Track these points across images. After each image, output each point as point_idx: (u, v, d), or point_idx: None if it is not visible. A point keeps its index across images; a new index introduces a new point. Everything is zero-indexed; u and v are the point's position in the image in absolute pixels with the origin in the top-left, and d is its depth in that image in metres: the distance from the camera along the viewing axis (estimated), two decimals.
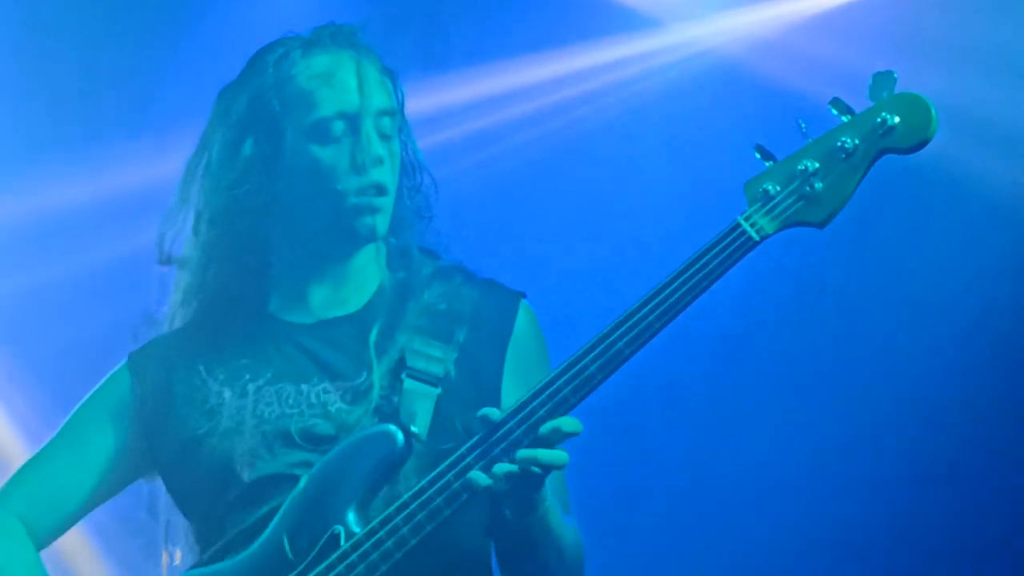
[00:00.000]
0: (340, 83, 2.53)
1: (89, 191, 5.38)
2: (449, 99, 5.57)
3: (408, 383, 2.45)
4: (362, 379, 2.49)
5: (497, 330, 2.55)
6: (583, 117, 5.61)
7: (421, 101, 5.49)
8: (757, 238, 2.29)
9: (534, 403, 2.31)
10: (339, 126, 2.52)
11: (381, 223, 2.53)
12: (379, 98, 2.56)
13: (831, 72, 5.36)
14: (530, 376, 2.44)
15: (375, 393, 2.47)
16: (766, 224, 2.30)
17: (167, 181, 5.52)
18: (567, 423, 2.30)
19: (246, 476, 2.47)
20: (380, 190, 2.52)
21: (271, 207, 2.55)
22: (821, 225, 2.31)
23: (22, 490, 2.64)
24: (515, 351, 2.55)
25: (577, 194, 5.53)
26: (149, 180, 5.27)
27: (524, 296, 2.64)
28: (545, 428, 2.28)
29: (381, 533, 2.33)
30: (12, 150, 5.47)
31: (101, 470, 2.61)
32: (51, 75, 5.61)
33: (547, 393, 2.32)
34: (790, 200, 2.30)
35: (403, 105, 2.63)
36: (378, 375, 2.48)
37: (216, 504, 2.50)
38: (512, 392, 2.45)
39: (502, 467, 2.28)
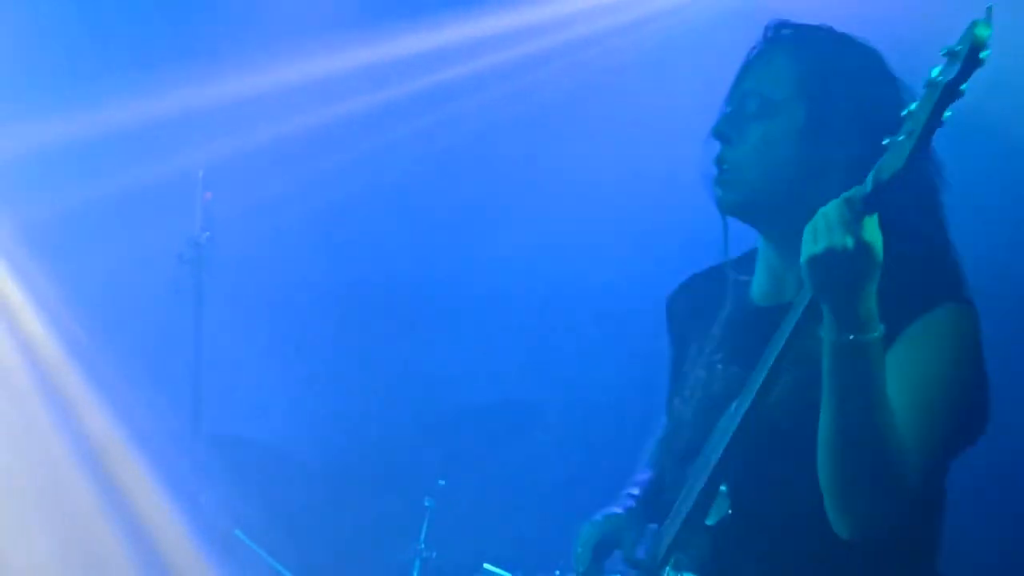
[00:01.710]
0: None
1: (136, 116, 5.68)
2: (483, 28, 5.86)
3: None
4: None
5: None
6: (617, 48, 5.84)
7: (456, 30, 5.86)
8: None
9: None
10: None
11: None
12: None
13: (858, 7, 5.27)
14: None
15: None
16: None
17: (212, 106, 5.94)
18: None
19: (685, 439, 2.63)
20: None
21: None
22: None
23: None
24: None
25: (610, 125, 5.77)
26: (195, 105, 5.70)
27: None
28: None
29: None
30: (58, 75, 5.78)
31: None
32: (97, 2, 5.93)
33: None
34: None
35: None
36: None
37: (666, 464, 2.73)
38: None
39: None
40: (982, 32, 2.18)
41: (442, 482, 5.42)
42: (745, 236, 2.67)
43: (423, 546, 5.38)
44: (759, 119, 2.59)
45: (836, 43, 2.68)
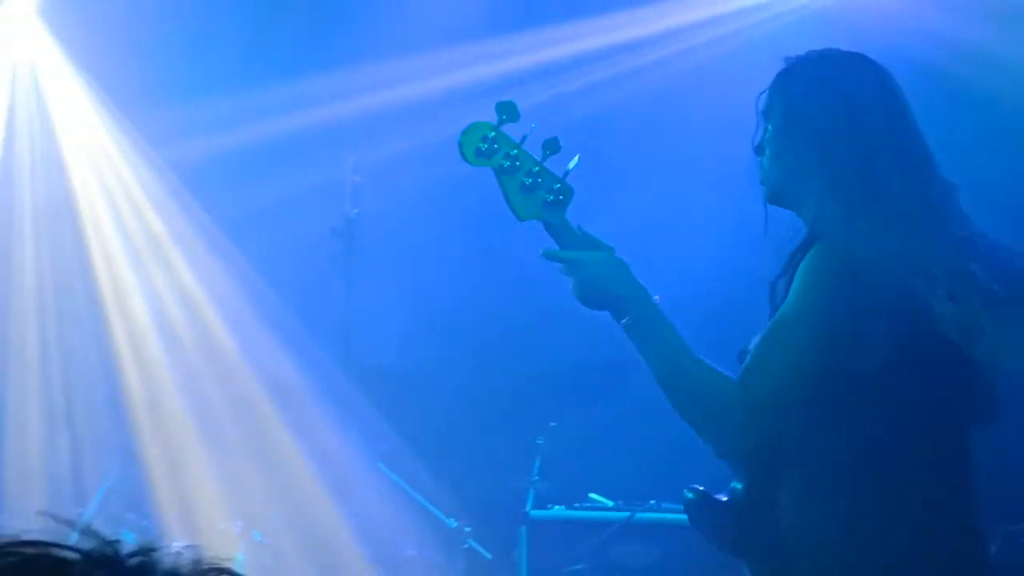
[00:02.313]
0: None
1: (298, 118, 6.32)
2: (590, 44, 6.41)
3: None
4: None
5: None
6: (701, 63, 6.31)
7: (567, 46, 6.45)
8: None
9: None
10: None
11: None
12: None
13: (922, 28, 5.89)
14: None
15: None
16: None
17: (360, 106, 6.42)
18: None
19: None
20: None
21: None
22: None
23: None
24: None
25: (690, 130, 6.15)
26: (345, 107, 6.29)
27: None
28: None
29: None
30: (234, 87, 6.43)
31: None
32: (276, 22, 6.57)
33: None
34: None
35: None
36: None
37: None
38: None
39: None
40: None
41: (553, 424, 5.60)
42: None
43: (537, 477, 5.56)
44: (766, 128, 3.08)
45: (813, 61, 3.09)
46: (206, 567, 1.09)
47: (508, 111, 3.11)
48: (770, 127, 3.08)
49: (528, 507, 5.49)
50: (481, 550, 5.81)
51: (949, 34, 5.91)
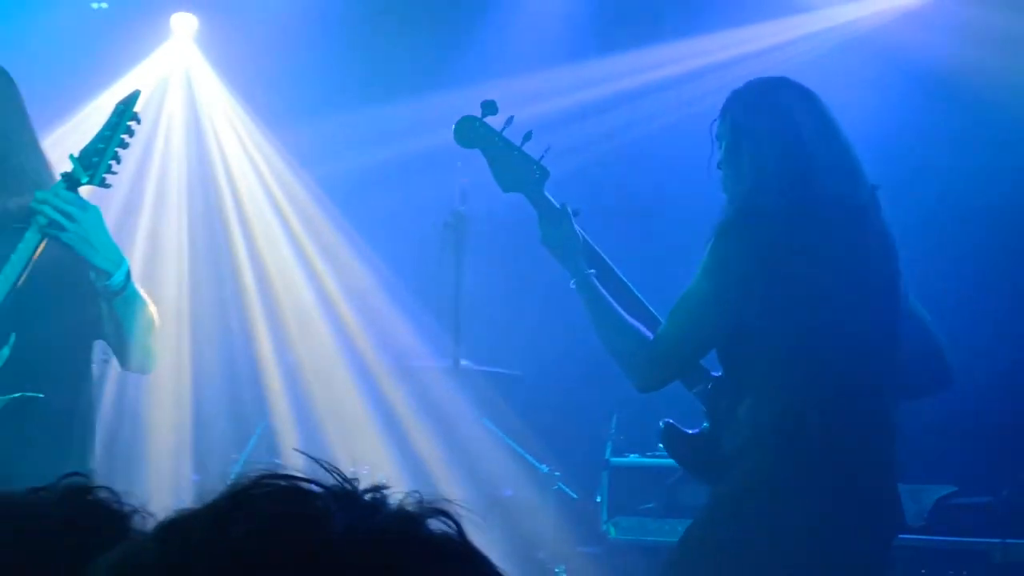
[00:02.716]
0: None
1: (413, 134, 6.95)
2: (664, 72, 7.00)
3: None
4: None
5: None
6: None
7: (639, 77, 7.07)
8: None
9: None
10: None
11: None
12: None
13: (952, 51, 6.38)
14: None
15: None
16: None
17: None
18: None
19: None
20: None
21: None
22: None
23: None
24: None
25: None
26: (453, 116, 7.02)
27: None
28: None
29: None
30: (354, 108, 7.11)
31: None
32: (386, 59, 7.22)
33: None
34: None
35: None
36: None
37: None
38: None
39: None
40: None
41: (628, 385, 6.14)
42: None
43: (614, 431, 5.91)
44: (721, 146, 3.50)
45: (751, 88, 3.48)
46: (430, 506, 1.11)
47: (490, 107, 3.69)
48: (723, 144, 3.49)
49: (608, 455, 5.82)
50: (568, 491, 6.14)
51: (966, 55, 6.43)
